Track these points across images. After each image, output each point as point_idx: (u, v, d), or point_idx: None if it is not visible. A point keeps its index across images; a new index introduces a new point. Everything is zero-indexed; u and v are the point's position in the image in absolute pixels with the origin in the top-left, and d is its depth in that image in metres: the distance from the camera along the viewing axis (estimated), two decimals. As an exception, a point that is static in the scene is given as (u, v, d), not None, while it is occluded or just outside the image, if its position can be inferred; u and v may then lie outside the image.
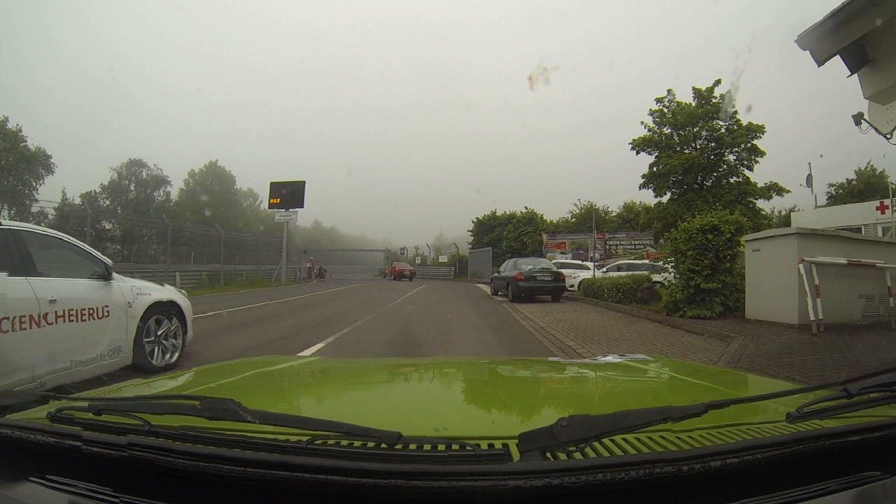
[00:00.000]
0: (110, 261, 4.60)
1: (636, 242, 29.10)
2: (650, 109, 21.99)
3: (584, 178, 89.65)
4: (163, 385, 1.54)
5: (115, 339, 4.26)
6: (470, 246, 37.76)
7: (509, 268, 16.27)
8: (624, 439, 0.80)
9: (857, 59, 5.70)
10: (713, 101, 20.67)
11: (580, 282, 16.48)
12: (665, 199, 22.39)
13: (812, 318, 6.89)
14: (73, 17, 77.61)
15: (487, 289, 19.61)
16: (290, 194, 29.45)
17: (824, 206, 24.33)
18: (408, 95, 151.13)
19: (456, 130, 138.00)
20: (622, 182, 60.75)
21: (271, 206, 30.84)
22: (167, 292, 5.18)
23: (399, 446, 0.72)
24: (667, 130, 21.79)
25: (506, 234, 33.77)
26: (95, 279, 4.26)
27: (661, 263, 12.79)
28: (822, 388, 1.02)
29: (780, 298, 7.58)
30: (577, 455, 0.71)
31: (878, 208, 17.96)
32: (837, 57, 5.61)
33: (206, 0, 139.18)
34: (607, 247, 29.17)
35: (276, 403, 1.32)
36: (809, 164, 23.41)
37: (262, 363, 1.93)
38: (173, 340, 5.06)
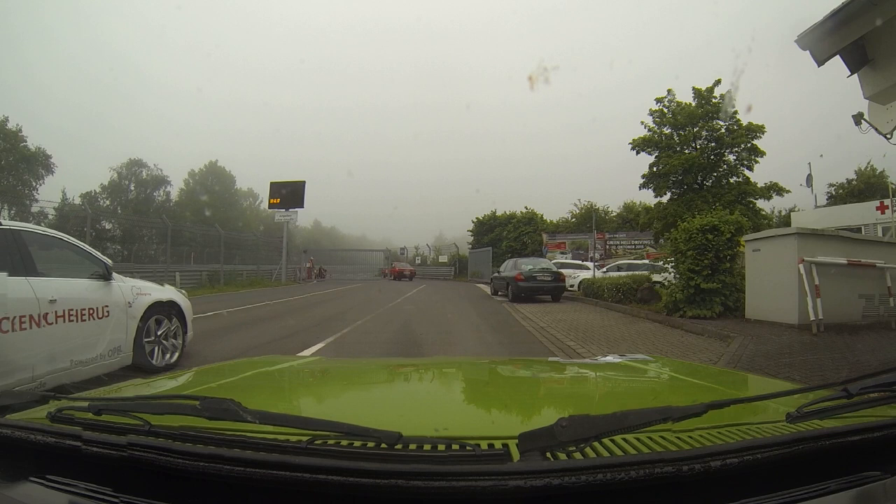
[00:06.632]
0: (110, 261, 4.59)
1: (636, 242, 29.09)
2: (650, 109, 22.03)
3: (584, 178, 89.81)
4: (163, 385, 1.54)
5: (115, 339, 4.26)
6: (470, 246, 37.74)
7: (509, 268, 16.27)
8: (624, 439, 0.80)
9: (857, 59, 5.70)
10: (713, 101, 20.67)
11: (580, 282, 16.48)
12: (665, 199, 22.41)
13: (812, 318, 6.89)
14: (73, 17, 77.70)
15: (487, 289, 19.59)
16: (290, 194, 29.47)
17: (824, 206, 24.32)
18: (408, 95, 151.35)
19: (456, 130, 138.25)
20: (622, 182, 60.87)
21: (271, 206, 30.85)
22: (167, 292, 5.18)
23: (399, 446, 0.72)
24: (667, 130, 21.79)
25: (506, 234, 33.76)
26: (95, 279, 4.26)
27: (661, 263, 12.78)
28: (822, 388, 1.02)
29: (780, 298, 7.58)
30: (577, 455, 0.71)
31: (878, 208, 17.97)
32: (837, 57, 5.61)
33: (206, 0, 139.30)
34: (607, 247, 29.15)
35: (276, 403, 1.32)
36: (809, 164, 23.47)
37: (262, 363, 1.93)
38: (173, 340, 5.06)
